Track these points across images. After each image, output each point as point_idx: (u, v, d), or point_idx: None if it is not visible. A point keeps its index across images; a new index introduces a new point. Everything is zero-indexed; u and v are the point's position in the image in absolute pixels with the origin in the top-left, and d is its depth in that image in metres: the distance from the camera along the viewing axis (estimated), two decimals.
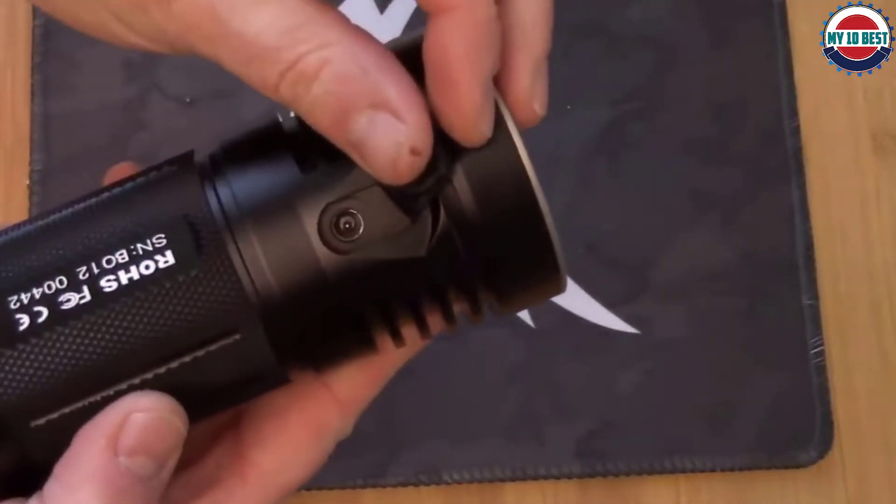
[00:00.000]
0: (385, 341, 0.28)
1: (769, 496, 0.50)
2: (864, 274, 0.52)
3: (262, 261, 0.26)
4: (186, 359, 0.26)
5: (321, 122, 0.25)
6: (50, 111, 0.53)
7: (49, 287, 0.26)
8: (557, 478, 0.49)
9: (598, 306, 0.51)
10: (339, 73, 0.24)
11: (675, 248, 0.52)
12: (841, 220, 0.53)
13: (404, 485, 0.49)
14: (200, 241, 0.26)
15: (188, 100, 0.53)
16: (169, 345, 0.26)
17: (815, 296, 0.51)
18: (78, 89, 0.53)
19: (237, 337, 0.26)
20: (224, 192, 0.26)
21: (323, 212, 0.26)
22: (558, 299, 0.51)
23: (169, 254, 0.26)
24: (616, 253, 0.52)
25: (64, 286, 0.26)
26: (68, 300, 0.26)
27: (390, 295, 0.26)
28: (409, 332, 0.28)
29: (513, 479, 0.49)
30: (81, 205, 0.27)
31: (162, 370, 0.26)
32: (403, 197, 0.25)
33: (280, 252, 0.26)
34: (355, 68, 0.24)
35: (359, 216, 0.26)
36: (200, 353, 0.26)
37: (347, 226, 0.26)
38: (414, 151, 0.25)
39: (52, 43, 0.54)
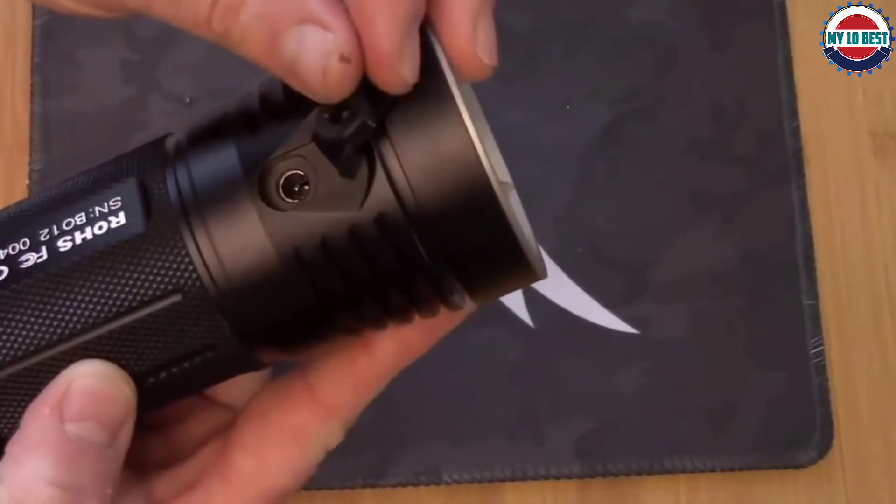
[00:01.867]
0: (350, 322, 0.27)
1: (769, 496, 0.50)
2: (864, 274, 0.52)
3: (204, 223, 0.26)
4: (129, 319, 0.26)
5: (254, 49, 0.25)
6: (50, 111, 0.53)
7: (13, 248, 0.27)
8: (557, 478, 0.49)
9: (598, 306, 0.51)
10: None
11: (675, 248, 0.52)
12: (841, 220, 0.53)
13: (404, 485, 0.49)
14: (150, 203, 0.26)
15: (188, 100, 0.53)
16: (112, 302, 0.26)
17: (815, 296, 0.51)
18: (78, 89, 0.53)
19: (178, 299, 0.26)
20: (181, 165, 0.27)
21: (264, 173, 0.26)
22: (558, 299, 0.51)
23: (122, 215, 0.26)
24: (616, 253, 0.52)
25: (26, 247, 0.27)
26: (27, 259, 0.26)
27: (334, 258, 0.26)
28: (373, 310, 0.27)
29: (513, 479, 0.49)
30: (67, 181, 0.28)
31: (111, 327, 0.26)
32: (335, 149, 0.25)
33: (222, 215, 0.26)
34: None
35: (304, 177, 0.25)
36: (142, 314, 0.26)
37: (295, 188, 0.26)
38: (343, 58, 0.24)
39: (52, 43, 0.54)
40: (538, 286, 0.51)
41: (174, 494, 0.30)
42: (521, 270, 0.26)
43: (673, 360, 0.50)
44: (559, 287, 0.51)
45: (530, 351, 0.50)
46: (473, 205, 0.25)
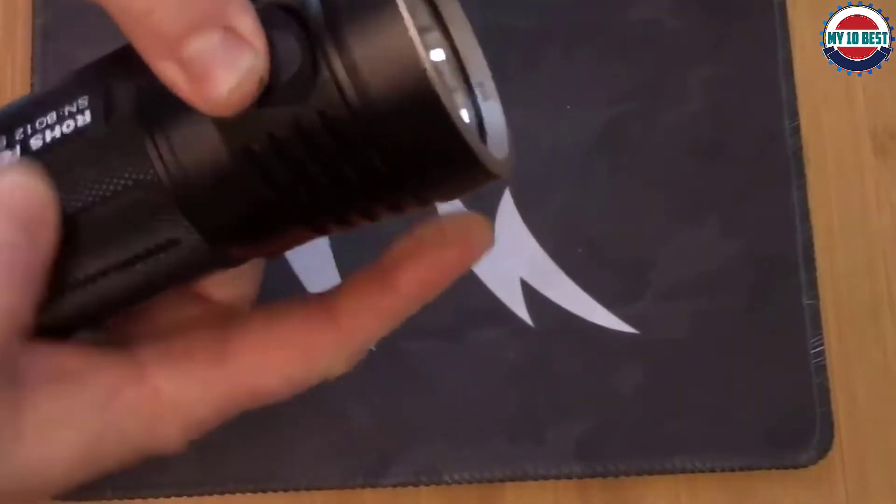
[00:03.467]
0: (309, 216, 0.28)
1: (769, 496, 0.50)
2: (864, 274, 0.52)
3: (159, 119, 0.27)
4: (92, 212, 0.27)
5: (150, 25, 0.26)
6: None
7: None
8: (557, 478, 0.49)
9: (598, 306, 0.51)
10: None
11: (675, 248, 0.52)
12: (841, 220, 0.53)
13: (404, 485, 0.49)
14: (113, 102, 0.28)
15: None
16: (75, 196, 0.27)
17: (815, 296, 0.51)
18: None
19: (137, 192, 0.27)
20: (143, 69, 0.27)
21: None
22: (558, 299, 0.51)
23: (87, 113, 0.28)
24: (616, 253, 0.52)
25: (3, 146, 0.28)
26: (2, 158, 0.28)
27: (281, 150, 0.26)
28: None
29: (513, 479, 0.49)
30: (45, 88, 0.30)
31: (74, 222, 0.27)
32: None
33: (176, 111, 0.27)
34: None
35: None
36: (104, 207, 0.27)
37: None
38: (261, 81, 0.25)
39: (52, 43, 0.53)
40: (538, 286, 0.51)
41: (158, 360, 0.30)
42: (470, 164, 0.26)
43: (673, 360, 0.50)
44: (559, 287, 0.51)
45: (530, 351, 0.50)
46: (410, 89, 0.25)
